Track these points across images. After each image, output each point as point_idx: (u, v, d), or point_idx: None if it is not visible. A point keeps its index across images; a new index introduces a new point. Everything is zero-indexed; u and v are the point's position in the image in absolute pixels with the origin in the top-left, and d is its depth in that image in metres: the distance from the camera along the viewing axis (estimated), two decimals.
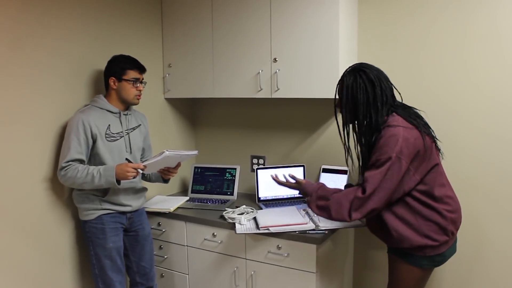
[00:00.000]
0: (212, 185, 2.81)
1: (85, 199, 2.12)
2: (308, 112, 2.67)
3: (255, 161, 2.92)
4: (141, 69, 2.21)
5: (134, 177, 2.04)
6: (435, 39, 2.28)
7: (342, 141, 1.85)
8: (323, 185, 1.89)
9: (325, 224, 2.11)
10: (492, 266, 2.25)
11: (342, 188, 1.99)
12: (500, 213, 2.21)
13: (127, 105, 2.24)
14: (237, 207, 2.45)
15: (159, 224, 2.57)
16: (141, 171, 2.04)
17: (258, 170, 2.65)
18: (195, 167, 2.87)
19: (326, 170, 2.59)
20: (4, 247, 1.96)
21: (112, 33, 2.44)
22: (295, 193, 2.59)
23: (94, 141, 2.08)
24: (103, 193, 2.13)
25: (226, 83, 2.58)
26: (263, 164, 2.88)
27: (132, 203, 2.22)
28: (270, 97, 2.44)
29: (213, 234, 2.38)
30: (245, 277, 2.30)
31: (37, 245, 2.10)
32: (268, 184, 2.61)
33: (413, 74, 2.35)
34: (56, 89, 2.15)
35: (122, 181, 2.05)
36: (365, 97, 1.73)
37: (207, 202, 2.66)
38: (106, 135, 2.11)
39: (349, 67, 1.83)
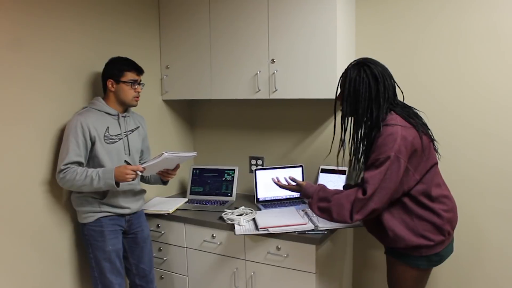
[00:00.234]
0: (211, 187, 2.80)
1: (84, 202, 2.12)
2: (306, 113, 2.68)
3: (253, 162, 2.92)
4: (139, 71, 2.21)
5: (133, 179, 2.04)
6: (433, 39, 2.29)
7: (335, 135, 1.84)
8: (323, 186, 1.89)
9: (324, 224, 2.12)
10: (489, 265, 2.26)
11: (341, 188, 1.99)
12: (497, 213, 2.21)
13: (125, 107, 2.23)
14: (236, 208, 2.45)
15: (158, 226, 2.57)
16: (140, 173, 2.03)
17: (257, 171, 2.65)
18: (193, 169, 2.87)
19: (324, 171, 2.59)
20: (3, 250, 1.95)
21: (109, 34, 2.43)
22: (294, 194, 2.59)
23: (93, 144, 2.07)
24: (101, 196, 2.12)
25: (224, 84, 2.58)
26: (262, 165, 2.88)
27: (131, 205, 2.22)
28: (268, 98, 2.44)
29: (212, 235, 2.38)
30: (245, 278, 2.30)
31: (36, 248, 2.10)
32: (267, 185, 2.61)
33: (411, 74, 2.35)
34: (55, 90, 2.15)
35: (121, 183, 2.05)
36: (368, 92, 1.72)
37: (206, 204, 2.66)
38: (105, 138, 2.11)
39: (354, 60, 1.81)
